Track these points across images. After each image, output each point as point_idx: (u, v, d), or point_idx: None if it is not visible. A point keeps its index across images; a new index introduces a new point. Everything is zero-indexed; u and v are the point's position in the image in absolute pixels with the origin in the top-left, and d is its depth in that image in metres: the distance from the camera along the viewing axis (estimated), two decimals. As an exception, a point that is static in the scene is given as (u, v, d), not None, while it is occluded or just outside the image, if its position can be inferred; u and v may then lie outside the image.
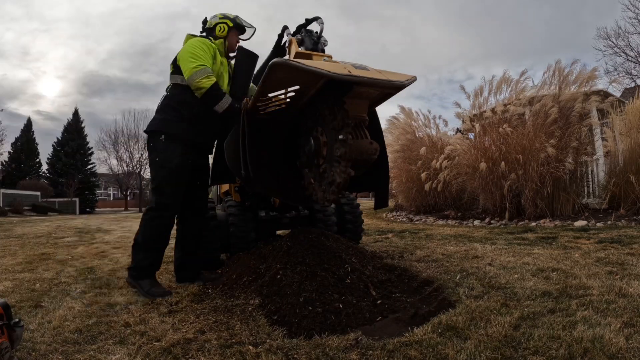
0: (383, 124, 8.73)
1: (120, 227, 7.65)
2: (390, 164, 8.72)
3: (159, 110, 2.48)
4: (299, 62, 1.60)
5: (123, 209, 31.08)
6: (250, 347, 1.41)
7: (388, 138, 8.18)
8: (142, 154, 29.87)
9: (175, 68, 2.43)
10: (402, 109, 8.12)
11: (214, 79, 2.31)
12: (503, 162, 5.26)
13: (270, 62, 1.65)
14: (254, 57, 2.66)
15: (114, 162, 30.14)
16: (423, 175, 6.81)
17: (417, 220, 6.87)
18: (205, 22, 2.66)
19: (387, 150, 8.08)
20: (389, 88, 1.88)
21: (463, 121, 6.49)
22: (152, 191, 2.43)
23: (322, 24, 2.43)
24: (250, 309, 1.85)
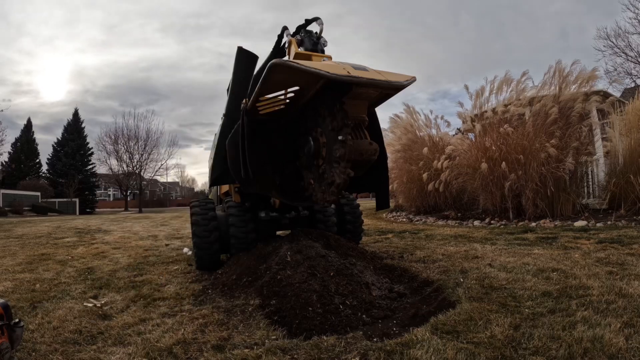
0: (385, 123, 8.60)
1: (120, 227, 7.64)
2: (391, 164, 8.60)
3: None
4: (297, 63, 1.60)
5: (123, 209, 31.06)
6: (251, 347, 1.41)
7: (390, 137, 8.12)
8: (141, 154, 29.87)
9: None
10: (407, 107, 8.04)
11: None
12: (504, 162, 5.25)
13: (269, 63, 1.65)
14: (253, 57, 2.66)
15: (114, 162, 30.08)
16: (424, 175, 6.80)
17: (417, 221, 6.86)
18: None
19: (389, 150, 7.98)
20: (388, 89, 1.88)
21: (464, 121, 6.49)
22: None
23: (322, 24, 2.43)
24: (250, 309, 1.85)
